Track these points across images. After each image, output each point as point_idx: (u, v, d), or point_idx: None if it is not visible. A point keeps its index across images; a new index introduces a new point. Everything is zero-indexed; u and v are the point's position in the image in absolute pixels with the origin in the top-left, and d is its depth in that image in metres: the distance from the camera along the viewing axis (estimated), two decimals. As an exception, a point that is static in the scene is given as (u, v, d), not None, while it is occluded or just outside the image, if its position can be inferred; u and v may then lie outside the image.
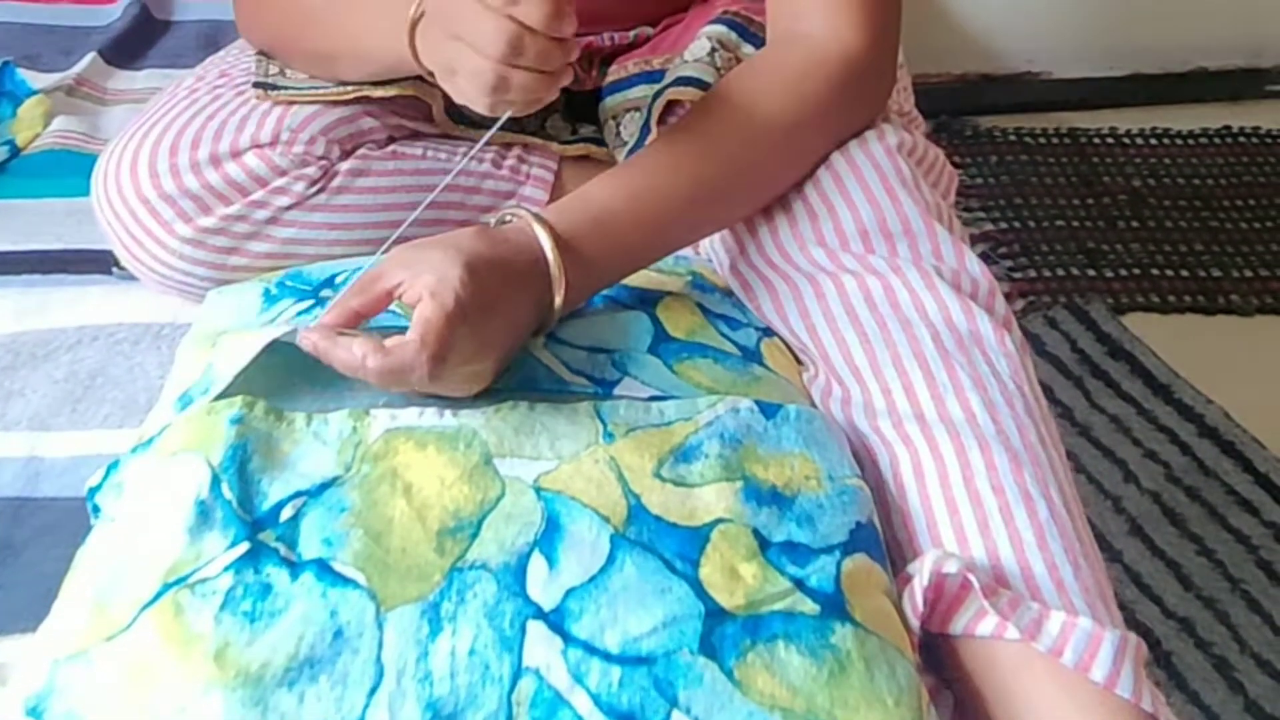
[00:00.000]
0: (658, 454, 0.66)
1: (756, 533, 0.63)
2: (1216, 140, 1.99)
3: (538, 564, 0.60)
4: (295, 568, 0.59)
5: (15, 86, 1.21)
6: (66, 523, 0.76)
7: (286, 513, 0.62)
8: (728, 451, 0.66)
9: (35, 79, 1.22)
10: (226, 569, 0.59)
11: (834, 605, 0.60)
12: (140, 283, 0.92)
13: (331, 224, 0.87)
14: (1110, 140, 1.98)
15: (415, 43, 0.71)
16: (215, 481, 0.62)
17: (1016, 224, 1.80)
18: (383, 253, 0.69)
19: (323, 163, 0.87)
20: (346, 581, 0.59)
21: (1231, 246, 1.77)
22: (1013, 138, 1.98)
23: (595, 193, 0.72)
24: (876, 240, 0.74)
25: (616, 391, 0.70)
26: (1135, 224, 1.81)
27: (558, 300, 0.69)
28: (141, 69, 1.28)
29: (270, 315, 0.76)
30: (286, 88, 0.88)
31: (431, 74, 0.72)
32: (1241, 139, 2.00)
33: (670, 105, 0.86)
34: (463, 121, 0.92)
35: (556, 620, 0.58)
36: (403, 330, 0.66)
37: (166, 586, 0.58)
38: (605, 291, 0.76)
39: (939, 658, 0.66)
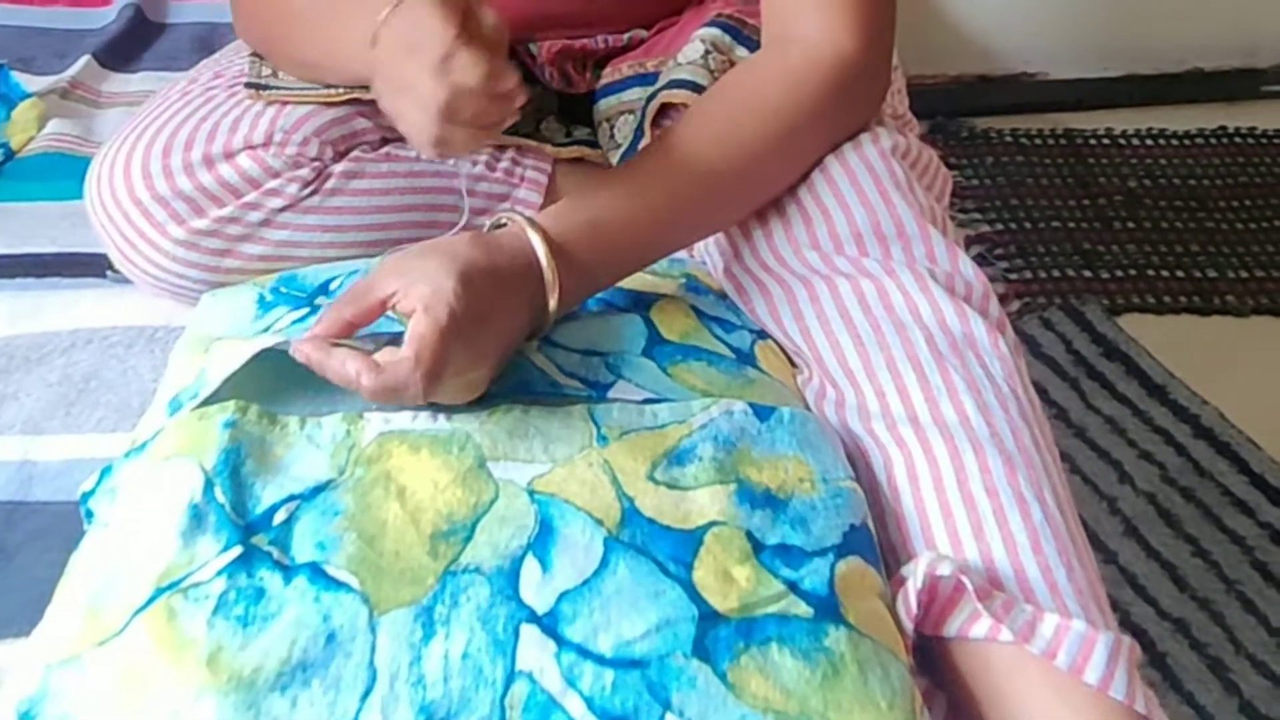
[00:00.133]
0: (651, 457, 0.66)
1: (750, 535, 0.63)
2: (1212, 141, 1.99)
3: (531, 567, 0.60)
4: (288, 571, 0.59)
5: (9, 89, 1.21)
6: (59, 527, 0.76)
7: (279, 516, 0.62)
8: (721, 454, 0.66)
9: (29, 82, 1.22)
10: (219, 573, 0.59)
11: (828, 608, 0.60)
12: (134, 286, 0.92)
13: (325, 226, 0.87)
14: (1106, 141, 1.98)
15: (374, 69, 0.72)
16: (208, 485, 0.62)
17: (1012, 225, 1.80)
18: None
19: (316, 164, 0.87)
20: (339, 585, 0.59)
21: (1227, 247, 1.77)
22: (1008, 139, 1.98)
23: (590, 197, 0.72)
24: (870, 243, 0.75)
25: (610, 394, 0.70)
26: (1131, 225, 1.81)
27: (552, 304, 0.69)
28: (136, 71, 1.27)
29: (264, 323, 0.76)
30: (279, 88, 0.88)
31: None
32: (1237, 139, 2.00)
33: (664, 108, 0.86)
34: (456, 124, 0.92)
35: (550, 623, 0.58)
36: (397, 336, 0.66)
37: (159, 591, 0.58)
38: (599, 294, 0.76)
39: (933, 660, 0.66)
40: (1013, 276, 1.70)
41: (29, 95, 1.19)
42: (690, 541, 0.62)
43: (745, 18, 0.89)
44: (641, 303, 0.78)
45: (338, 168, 0.88)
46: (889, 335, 0.71)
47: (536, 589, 0.59)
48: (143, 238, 0.86)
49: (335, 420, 0.66)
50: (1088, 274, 1.71)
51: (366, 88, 0.85)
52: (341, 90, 0.86)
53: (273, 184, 0.86)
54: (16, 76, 1.23)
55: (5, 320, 0.93)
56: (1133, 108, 2.05)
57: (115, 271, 0.93)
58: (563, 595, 0.59)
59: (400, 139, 0.93)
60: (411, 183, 0.90)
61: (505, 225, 0.71)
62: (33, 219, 1.04)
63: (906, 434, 0.69)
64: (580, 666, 0.56)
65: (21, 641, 0.62)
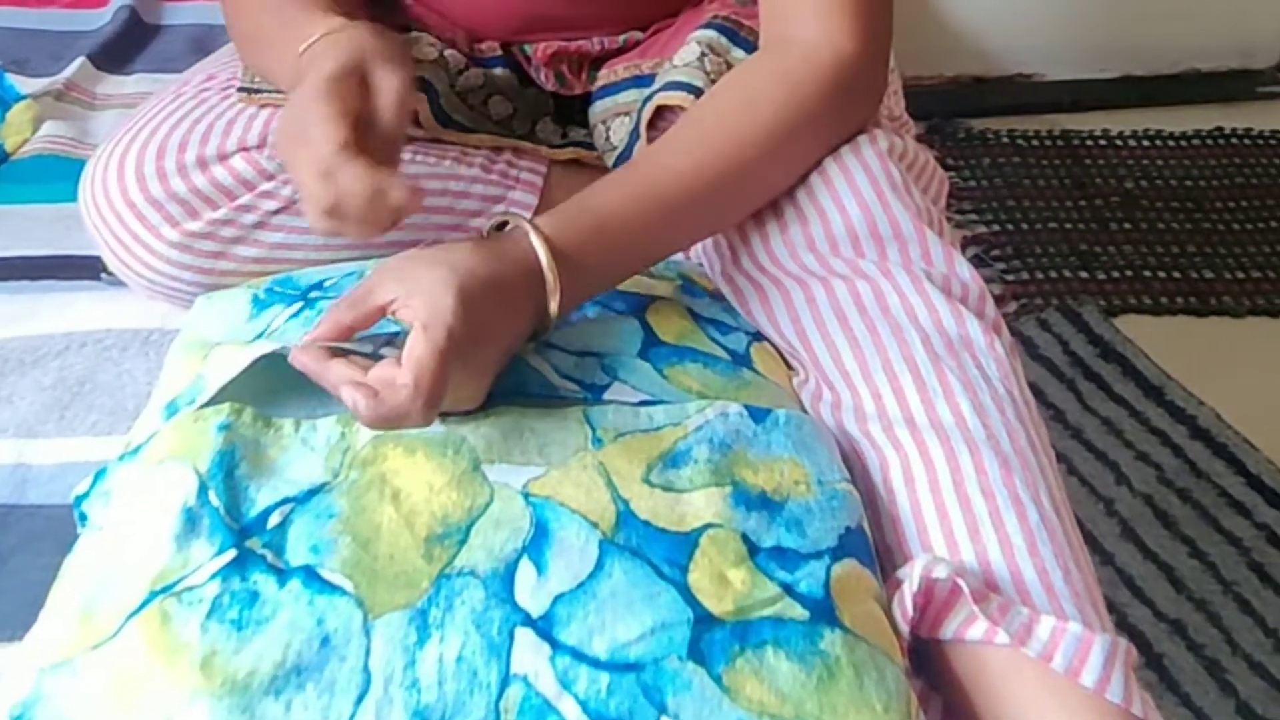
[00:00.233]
0: (647, 459, 0.66)
1: (745, 538, 0.62)
2: (1209, 142, 1.99)
3: (526, 570, 0.60)
4: (282, 575, 0.59)
5: (4, 91, 1.21)
6: (53, 530, 0.76)
7: (274, 520, 0.62)
8: (717, 456, 0.66)
9: (24, 84, 1.22)
10: (213, 577, 0.58)
11: (823, 611, 0.60)
12: (129, 289, 0.92)
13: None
14: (1102, 142, 1.98)
15: None
16: (202, 489, 0.62)
17: (1009, 226, 1.80)
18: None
19: (310, 167, 0.87)
20: (334, 589, 0.58)
21: (1224, 248, 1.77)
22: (1005, 140, 1.98)
23: (591, 199, 0.72)
24: (866, 244, 0.74)
25: (606, 396, 0.70)
26: (1127, 226, 1.81)
27: (553, 309, 0.68)
28: (131, 73, 1.27)
29: (260, 323, 0.76)
30: (271, 91, 0.87)
31: None
32: (1234, 140, 2.00)
33: (660, 110, 0.86)
34: (450, 125, 0.92)
35: (544, 627, 0.58)
36: (394, 336, 0.66)
37: (153, 594, 0.58)
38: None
39: (928, 663, 0.66)
40: (1009, 277, 1.70)
41: (23, 97, 1.18)
42: (685, 544, 0.62)
43: (741, 19, 0.89)
44: (637, 305, 0.78)
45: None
46: (885, 337, 0.71)
47: (531, 592, 0.59)
48: (136, 240, 0.86)
49: (330, 423, 0.66)
50: (1084, 275, 1.71)
51: None
52: None
53: (267, 186, 0.86)
54: (11, 78, 1.22)
55: (-1, 323, 0.93)
56: (1129, 109, 2.05)
57: (110, 274, 0.92)
58: (558, 598, 0.59)
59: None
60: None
61: (506, 227, 0.70)
62: (27, 221, 1.04)
63: (902, 436, 0.68)
64: (575, 670, 0.56)
65: (14, 645, 0.62)
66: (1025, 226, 1.80)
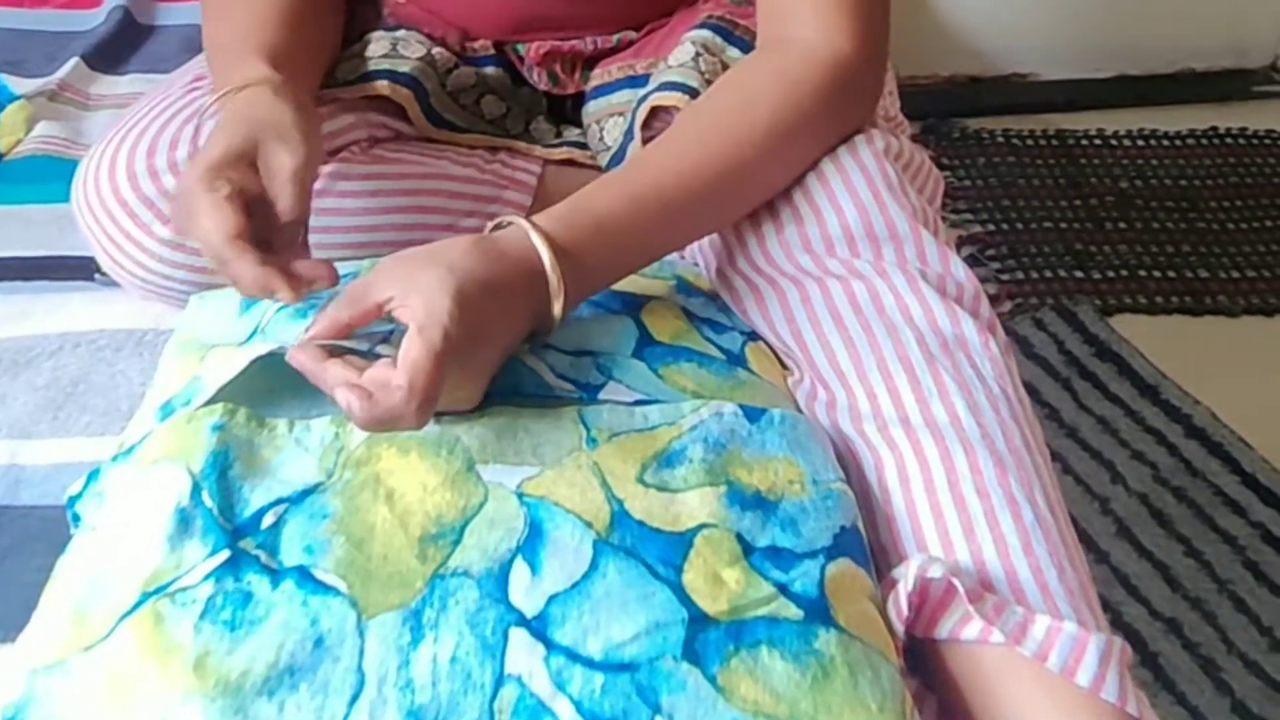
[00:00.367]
0: (641, 459, 0.66)
1: (740, 538, 0.62)
2: (1204, 141, 1.99)
3: (520, 570, 0.60)
4: (276, 575, 0.59)
5: (-2, 91, 1.21)
6: (46, 531, 0.75)
7: (268, 520, 0.61)
8: (711, 456, 0.66)
9: (17, 84, 1.21)
10: (207, 577, 0.58)
11: (818, 610, 0.60)
12: (122, 289, 0.91)
13: (313, 228, 0.86)
14: (1098, 142, 1.98)
15: None
16: (196, 489, 0.62)
17: (1004, 226, 1.80)
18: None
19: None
20: (328, 589, 0.58)
21: (1219, 247, 1.77)
22: (1000, 139, 1.98)
23: (589, 199, 0.72)
24: (862, 244, 0.74)
25: (600, 396, 0.70)
26: (1123, 225, 1.81)
27: (557, 310, 0.68)
28: (125, 74, 1.27)
29: (250, 320, 0.76)
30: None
31: None
32: (1229, 140, 2.00)
33: (654, 110, 0.86)
34: (441, 125, 0.92)
35: (539, 627, 0.58)
36: (390, 334, 0.65)
37: (146, 595, 0.58)
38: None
39: (923, 662, 0.66)
40: (1004, 277, 1.70)
41: (17, 97, 1.18)
42: (680, 544, 0.62)
43: (736, 19, 0.89)
44: (632, 304, 0.78)
45: (325, 170, 0.87)
46: (880, 336, 0.71)
47: (525, 592, 0.59)
48: (129, 239, 0.86)
49: (324, 423, 0.66)
50: (1079, 274, 1.71)
51: (343, 85, 0.86)
52: (324, 92, 0.86)
53: (260, 186, 0.86)
54: (4, 78, 1.22)
55: (-7, 324, 0.92)
56: (1124, 108, 2.05)
57: (103, 275, 0.92)
58: (552, 598, 0.59)
59: (389, 139, 0.93)
60: (399, 184, 0.90)
61: (507, 227, 0.70)
62: (21, 222, 1.03)
63: (897, 435, 0.68)
64: (569, 670, 0.56)
65: (7, 647, 0.62)
66: (1020, 226, 1.80)
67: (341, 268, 0.82)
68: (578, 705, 0.55)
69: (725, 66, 0.86)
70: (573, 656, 0.57)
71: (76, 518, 0.66)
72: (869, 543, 0.67)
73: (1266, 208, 1.86)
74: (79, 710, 0.55)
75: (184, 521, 0.60)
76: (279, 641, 0.56)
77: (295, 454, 0.65)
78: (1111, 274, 1.71)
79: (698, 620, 0.58)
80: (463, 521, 0.62)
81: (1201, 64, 2.11)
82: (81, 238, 0.90)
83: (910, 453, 0.68)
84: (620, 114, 0.91)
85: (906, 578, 0.63)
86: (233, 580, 0.58)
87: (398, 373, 0.60)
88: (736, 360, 0.76)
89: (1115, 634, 0.63)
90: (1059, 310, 1.62)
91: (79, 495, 0.66)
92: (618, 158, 0.89)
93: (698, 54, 0.86)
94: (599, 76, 0.94)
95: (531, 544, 0.61)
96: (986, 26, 2.04)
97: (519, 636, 0.57)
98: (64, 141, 1.13)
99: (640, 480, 0.64)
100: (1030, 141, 1.98)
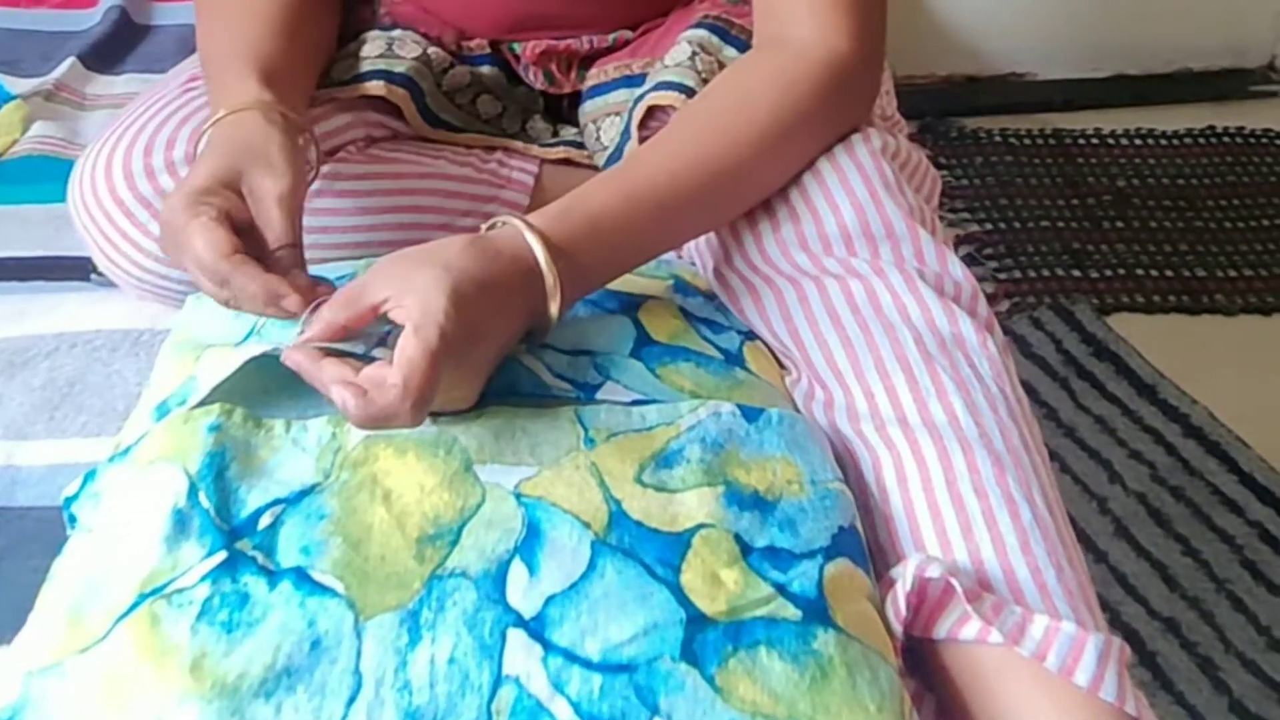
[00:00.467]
0: (639, 459, 0.65)
1: (738, 538, 0.62)
2: (1201, 140, 1.99)
3: (518, 571, 0.60)
4: (273, 576, 0.59)
5: (-7, 92, 1.21)
6: (42, 533, 0.75)
7: (264, 521, 0.61)
8: (709, 456, 0.66)
9: (13, 84, 1.22)
10: (203, 579, 0.58)
11: (816, 610, 0.60)
12: (119, 289, 0.91)
13: (310, 228, 0.86)
14: (1095, 141, 1.98)
15: None
16: (192, 490, 0.62)
17: (1002, 225, 1.80)
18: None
19: (300, 166, 0.86)
20: (325, 590, 0.58)
21: (1216, 246, 1.77)
22: (998, 139, 1.98)
23: (585, 198, 0.71)
24: (859, 243, 0.74)
25: (598, 396, 0.70)
26: (1120, 224, 1.81)
27: (553, 310, 0.68)
28: (121, 74, 1.27)
29: (248, 320, 0.76)
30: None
31: None
32: (1226, 139, 2.00)
33: (651, 110, 0.86)
34: (438, 124, 0.92)
35: (537, 628, 0.58)
36: (387, 335, 0.65)
37: (143, 597, 0.58)
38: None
39: (922, 662, 0.66)
40: (1002, 276, 1.70)
41: (13, 98, 1.18)
42: (678, 544, 0.61)
43: (732, 18, 0.89)
44: (630, 304, 0.78)
45: (322, 169, 0.87)
46: (877, 336, 0.71)
47: (523, 593, 0.59)
48: (125, 238, 0.86)
49: (321, 423, 0.66)
50: (1077, 273, 1.71)
51: (340, 85, 0.86)
52: (320, 92, 0.86)
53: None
54: (0, 79, 1.22)
55: (-11, 324, 0.92)
56: (1122, 108, 2.06)
57: (99, 275, 0.92)
58: (550, 599, 0.59)
59: (386, 139, 0.92)
60: (396, 184, 0.90)
61: (502, 225, 0.70)
62: (17, 222, 1.04)
63: (895, 435, 0.68)
64: (568, 671, 0.56)
65: (3, 649, 0.62)
66: (1018, 225, 1.80)
67: (338, 269, 0.82)
68: (576, 706, 0.55)
69: (722, 66, 0.86)
70: (571, 657, 0.56)
71: (73, 519, 0.65)
72: (867, 543, 0.67)
73: (1264, 206, 1.86)
74: (75, 712, 0.55)
75: (180, 522, 0.60)
76: (276, 643, 0.56)
77: (292, 454, 0.65)
78: (1109, 273, 1.71)
79: (696, 621, 0.58)
80: (460, 522, 0.62)
81: (1199, 63, 2.11)
82: (78, 238, 0.90)
83: (908, 452, 0.68)
84: (617, 113, 0.91)
85: (904, 577, 0.63)
86: (230, 581, 0.58)
87: (393, 371, 0.60)
88: (734, 360, 0.76)
89: (1113, 633, 0.63)
90: (1056, 309, 1.62)
91: (75, 496, 0.66)
92: (614, 157, 0.89)
93: (694, 53, 0.86)
94: (595, 76, 0.94)
95: (529, 544, 0.61)
96: (984, 26, 2.04)
97: (517, 637, 0.57)
98: (60, 141, 1.13)
99: (638, 480, 0.64)
100: (1027, 141, 1.98)
